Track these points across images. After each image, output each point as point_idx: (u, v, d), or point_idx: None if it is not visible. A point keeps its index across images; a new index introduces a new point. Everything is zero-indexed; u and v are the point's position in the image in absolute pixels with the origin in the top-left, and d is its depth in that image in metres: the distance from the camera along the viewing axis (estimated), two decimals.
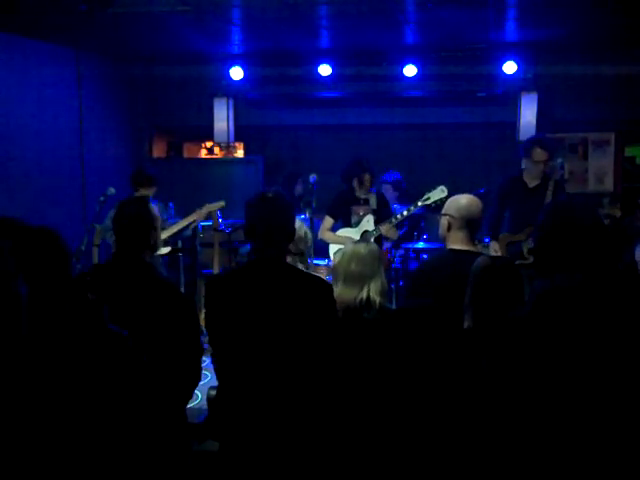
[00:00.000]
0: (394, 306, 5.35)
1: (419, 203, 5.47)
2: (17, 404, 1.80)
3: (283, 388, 2.72)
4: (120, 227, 3.11)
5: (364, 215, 5.75)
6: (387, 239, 5.82)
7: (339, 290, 3.06)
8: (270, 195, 2.85)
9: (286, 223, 2.85)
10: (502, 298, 2.66)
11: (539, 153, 5.50)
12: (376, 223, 5.68)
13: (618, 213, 6.40)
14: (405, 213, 5.59)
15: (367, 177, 5.72)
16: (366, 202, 5.80)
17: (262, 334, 2.73)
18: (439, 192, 5.36)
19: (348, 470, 2.90)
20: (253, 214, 2.84)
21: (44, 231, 2.02)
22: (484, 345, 2.62)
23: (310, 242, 3.84)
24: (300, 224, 3.81)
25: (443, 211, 3.47)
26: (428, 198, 5.41)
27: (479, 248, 3.71)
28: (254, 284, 2.78)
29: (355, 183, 5.76)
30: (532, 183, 5.58)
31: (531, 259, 5.17)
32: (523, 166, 5.66)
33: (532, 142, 5.64)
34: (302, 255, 3.76)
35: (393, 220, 5.62)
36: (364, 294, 3.04)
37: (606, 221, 6.34)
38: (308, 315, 2.75)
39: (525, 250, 5.31)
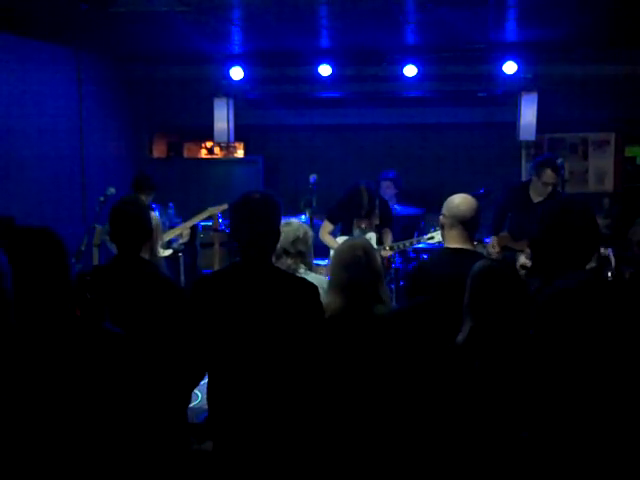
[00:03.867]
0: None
1: (421, 239, 5.54)
2: (14, 406, 1.80)
3: (263, 389, 2.70)
4: (115, 228, 3.13)
5: (366, 230, 5.76)
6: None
7: (331, 297, 3.04)
8: (256, 196, 2.79)
9: (271, 225, 2.79)
10: (501, 301, 2.65)
11: (549, 175, 5.49)
12: (379, 241, 5.73)
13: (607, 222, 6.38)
14: (407, 244, 5.70)
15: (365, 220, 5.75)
16: (368, 215, 5.79)
17: (244, 336, 2.71)
18: None
19: (339, 473, 2.90)
20: (237, 216, 2.80)
21: (41, 231, 2.02)
22: (480, 348, 2.62)
23: (310, 242, 3.79)
24: (299, 224, 3.77)
25: None
26: (432, 237, 5.42)
27: (478, 247, 3.69)
28: (237, 286, 2.76)
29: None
30: (537, 199, 5.60)
31: (522, 271, 5.15)
32: (528, 177, 5.67)
33: (543, 163, 5.60)
34: (303, 256, 3.72)
35: (395, 247, 5.70)
36: (358, 299, 3.03)
37: (606, 221, 6.34)
38: (291, 317, 2.72)
39: (518, 263, 5.29)
